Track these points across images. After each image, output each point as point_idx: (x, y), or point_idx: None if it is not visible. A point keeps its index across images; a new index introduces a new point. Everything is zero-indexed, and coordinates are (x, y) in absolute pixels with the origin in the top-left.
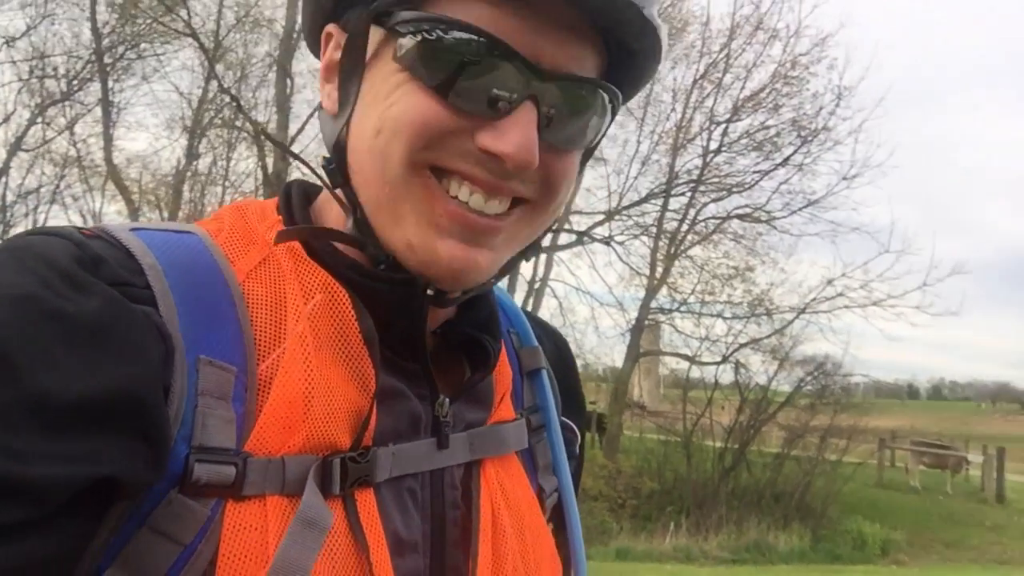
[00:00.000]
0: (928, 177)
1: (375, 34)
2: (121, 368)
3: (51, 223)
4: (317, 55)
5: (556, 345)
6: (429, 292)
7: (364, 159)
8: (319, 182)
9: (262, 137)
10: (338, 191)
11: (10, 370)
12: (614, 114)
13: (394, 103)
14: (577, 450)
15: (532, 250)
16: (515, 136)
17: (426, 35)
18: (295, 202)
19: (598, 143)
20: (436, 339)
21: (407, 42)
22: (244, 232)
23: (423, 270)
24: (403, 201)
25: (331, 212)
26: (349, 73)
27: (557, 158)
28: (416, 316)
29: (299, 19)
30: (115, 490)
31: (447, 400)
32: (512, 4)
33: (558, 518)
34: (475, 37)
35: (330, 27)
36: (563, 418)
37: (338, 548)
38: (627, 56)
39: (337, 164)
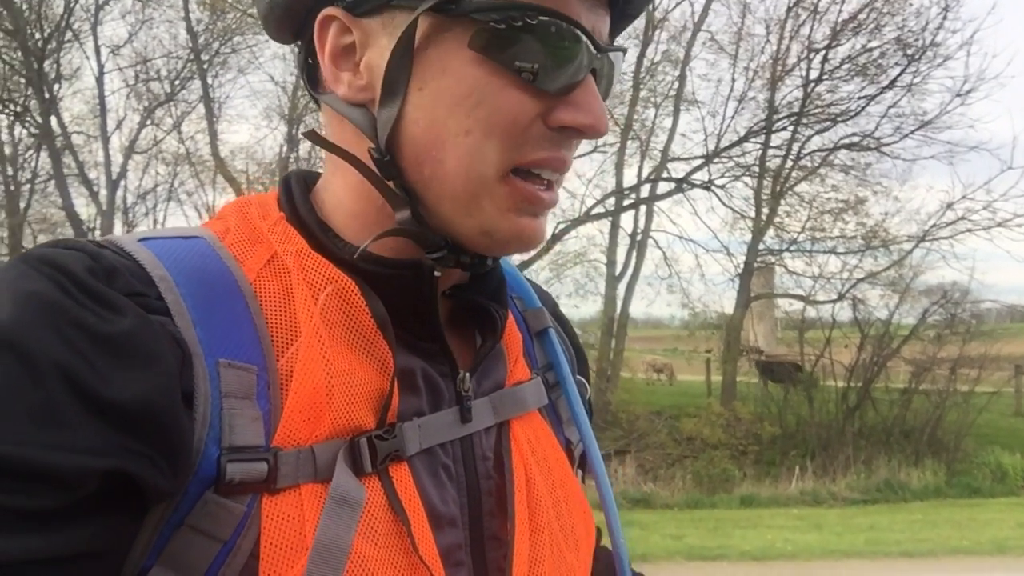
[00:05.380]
0: None
1: (423, 22)
2: (138, 377)
3: (169, 220)
4: (276, 35)
5: (551, 306)
6: (437, 274)
7: (442, 156)
8: (328, 169)
9: None
10: (391, 183)
11: (34, 369)
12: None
13: (482, 100)
14: (587, 402)
15: None
16: (593, 107)
17: (512, 22)
18: (297, 194)
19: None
20: (447, 310)
21: (490, 30)
22: (249, 231)
23: (494, 248)
24: (485, 197)
25: (338, 198)
26: (400, 65)
27: None
28: (427, 296)
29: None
30: (141, 492)
31: (467, 375)
32: None
33: (585, 467)
34: (559, 21)
35: (331, 10)
36: (578, 376)
37: (378, 525)
38: (623, 16)
39: (391, 156)
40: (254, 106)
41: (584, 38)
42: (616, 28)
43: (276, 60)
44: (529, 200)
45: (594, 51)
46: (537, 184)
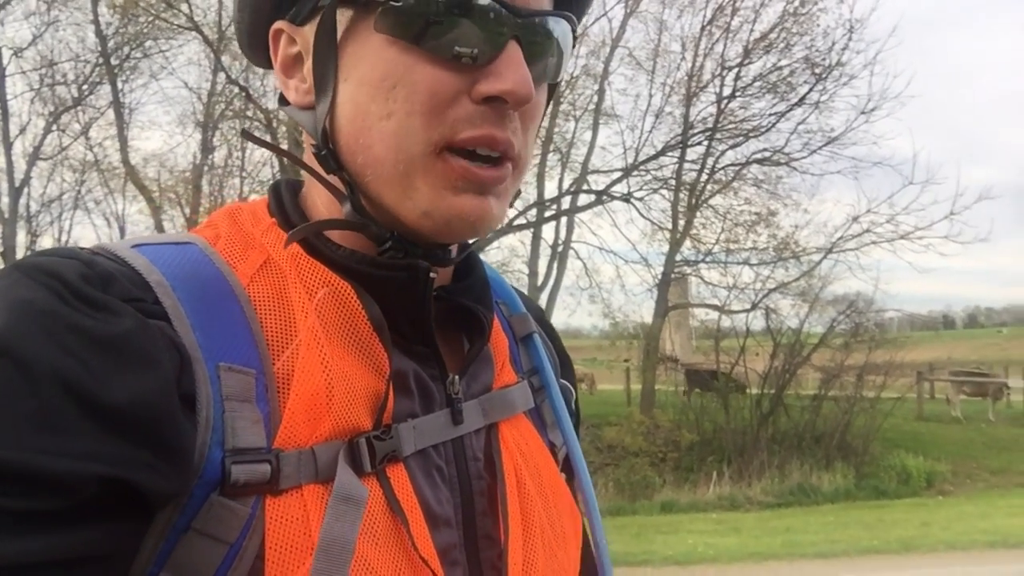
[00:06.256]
0: (949, 104)
1: (342, 16)
2: (135, 379)
3: (76, 228)
4: (256, 61)
5: (536, 312)
6: (432, 275)
7: (369, 142)
8: (304, 175)
9: (275, 125)
10: (332, 177)
11: (30, 375)
12: (575, 43)
13: (397, 82)
14: (574, 406)
15: (515, 199)
16: (512, 74)
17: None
18: (287, 200)
19: (562, 75)
20: (435, 313)
21: (392, 9)
22: (240, 237)
23: (438, 231)
24: (417, 176)
25: (319, 203)
26: (324, 59)
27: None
28: (421, 299)
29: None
30: (143, 496)
31: (456, 378)
32: None
33: (568, 470)
34: None
35: (279, 24)
36: (562, 380)
37: (378, 524)
38: None
39: (328, 150)
40: (167, 113)
41: (498, 6)
42: (573, 2)
43: (190, 66)
44: (465, 176)
45: (512, 17)
46: (476, 162)
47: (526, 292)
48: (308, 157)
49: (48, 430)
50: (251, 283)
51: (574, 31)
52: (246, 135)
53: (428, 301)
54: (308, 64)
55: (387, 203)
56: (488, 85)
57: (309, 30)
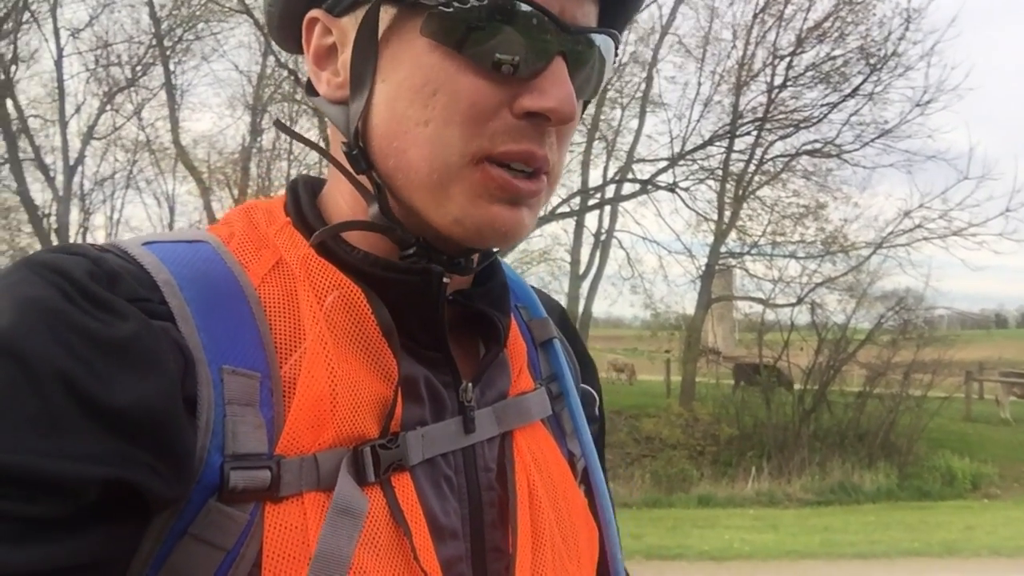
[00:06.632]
0: (1009, 97)
1: (385, 14)
2: (139, 382)
3: (127, 207)
4: (285, 45)
5: (558, 314)
6: (445, 280)
7: (404, 146)
8: (330, 172)
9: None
10: (361, 177)
11: (33, 376)
12: (616, 60)
13: (438, 89)
14: (597, 412)
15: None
16: (557, 91)
17: (459, 4)
18: (304, 199)
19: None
20: (449, 318)
21: (439, 15)
22: (254, 236)
23: (468, 238)
24: (452, 183)
25: (342, 202)
26: (364, 57)
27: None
28: (434, 304)
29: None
30: (144, 501)
31: (470, 385)
32: None
33: (587, 481)
34: (515, 2)
35: (314, 12)
36: (583, 386)
37: (380, 535)
38: (618, 3)
39: (359, 150)
40: (217, 95)
41: (546, 19)
42: (613, 15)
43: (241, 49)
44: (502, 187)
45: (561, 32)
46: (510, 174)
47: (568, 281)
48: (336, 151)
49: (50, 432)
50: (262, 284)
51: (616, 48)
52: (279, 126)
53: (441, 305)
54: (343, 58)
55: (417, 207)
56: (532, 101)
57: (347, 23)
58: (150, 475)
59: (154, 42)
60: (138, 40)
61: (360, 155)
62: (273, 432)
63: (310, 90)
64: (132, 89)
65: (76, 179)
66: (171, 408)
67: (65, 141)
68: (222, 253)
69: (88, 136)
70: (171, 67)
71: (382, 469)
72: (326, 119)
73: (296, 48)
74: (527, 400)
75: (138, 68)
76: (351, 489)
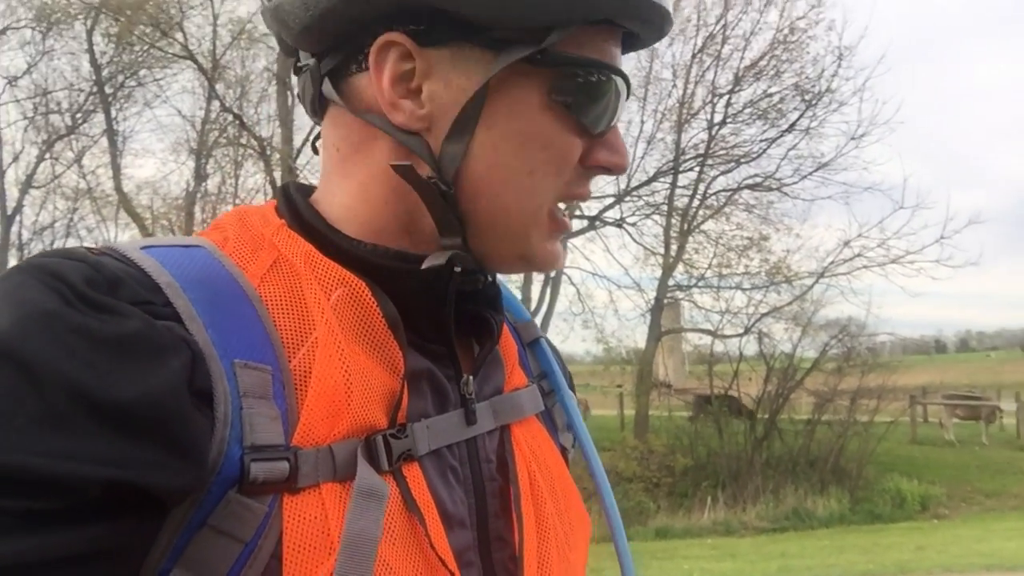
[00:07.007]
0: (938, 130)
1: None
2: (142, 376)
3: None
4: (305, 44)
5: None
6: (457, 269)
7: (500, 191)
8: (335, 181)
9: (268, 153)
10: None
11: (34, 378)
12: None
13: (549, 144)
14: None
15: None
16: (622, 148)
17: (588, 77)
18: (299, 202)
19: None
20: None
21: (570, 81)
22: (250, 238)
23: (521, 269)
24: (534, 228)
25: (336, 203)
26: (476, 104)
27: None
28: (442, 298)
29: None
30: (154, 496)
31: (471, 378)
32: (615, 34)
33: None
34: (619, 77)
35: (394, 36)
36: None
37: (395, 523)
38: (636, 41)
39: (447, 186)
40: (161, 140)
41: (624, 87)
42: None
43: (184, 94)
44: (564, 228)
45: (625, 96)
46: (566, 216)
47: None
48: (358, 162)
49: (52, 433)
50: (262, 283)
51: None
52: (398, 169)
53: (450, 300)
54: (429, 89)
55: (489, 242)
56: (605, 156)
57: (435, 56)
58: (156, 472)
59: (95, 89)
60: (78, 87)
61: (449, 191)
62: (288, 424)
63: (339, 92)
64: (72, 136)
65: (14, 229)
66: (177, 402)
67: (2, 190)
68: (219, 256)
69: (27, 185)
70: (113, 113)
71: (394, 458)
72: (384, 140)
73: (314, 48)
74: (521, 396)
75: (78, 115)
76: (371, 473)
